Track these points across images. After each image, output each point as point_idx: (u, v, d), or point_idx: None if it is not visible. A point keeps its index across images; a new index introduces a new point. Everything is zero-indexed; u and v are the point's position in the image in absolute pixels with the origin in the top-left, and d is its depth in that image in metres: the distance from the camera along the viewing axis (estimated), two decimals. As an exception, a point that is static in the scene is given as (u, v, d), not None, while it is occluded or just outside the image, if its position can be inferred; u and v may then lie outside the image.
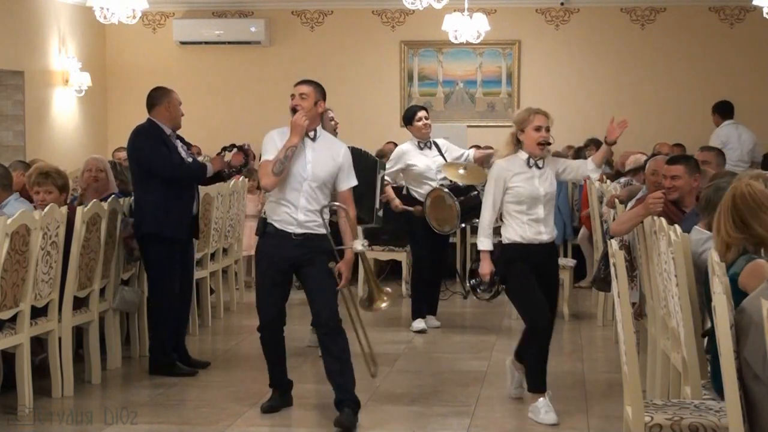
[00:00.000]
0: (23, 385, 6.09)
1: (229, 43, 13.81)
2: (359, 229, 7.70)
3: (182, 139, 7.25)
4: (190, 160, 7.18)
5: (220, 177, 7.31)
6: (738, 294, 4.11)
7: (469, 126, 12.31)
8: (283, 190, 5.90)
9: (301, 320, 7.87)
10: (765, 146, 12.49)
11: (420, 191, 8.57)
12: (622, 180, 8.97)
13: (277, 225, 5.95)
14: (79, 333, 7.12)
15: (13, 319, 6.07)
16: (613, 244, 4.66)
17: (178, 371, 7.06)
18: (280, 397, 6.24)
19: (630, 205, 7.03)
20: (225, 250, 9.48)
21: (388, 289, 6.07)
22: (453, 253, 10.84)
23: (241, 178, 10.38)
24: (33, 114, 12.30)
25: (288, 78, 13.16)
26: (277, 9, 13.88)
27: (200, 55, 13.96)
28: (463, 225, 8.65)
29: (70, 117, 13.19)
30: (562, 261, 8.97)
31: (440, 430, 5.95)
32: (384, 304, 6.04)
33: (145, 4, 10.64)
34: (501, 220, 6.21)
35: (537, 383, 6.03)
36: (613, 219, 7.27)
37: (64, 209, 6.51)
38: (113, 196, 7.23)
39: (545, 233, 6.11)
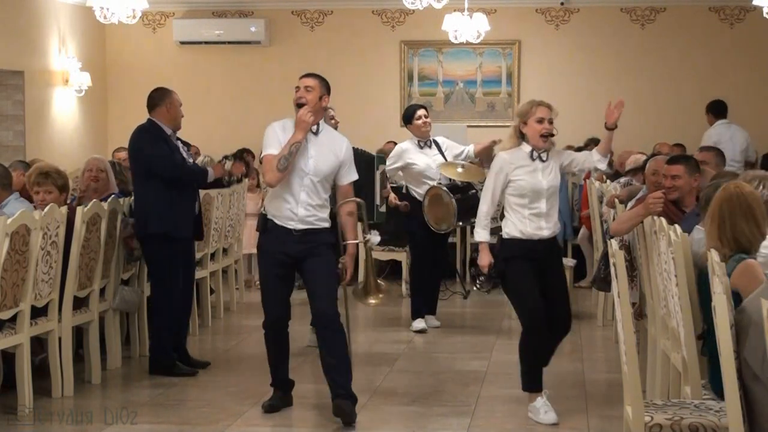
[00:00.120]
0: (23, 385, 6.09)
1: (229, 43, 13.80)
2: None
3: (180, 140, 7.25)
4: (191, 161, 7.20)
5: (219, 184, 7.35)
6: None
7: (469, 126, 12.30)
8: (283, 185, 5.89)
9: (301, 320, 7.87)
10: (765, 145, 12.52)
11: (419, 190, 8.56)
12: (622, 180, 8.97)
13: (277, 221, 5.95)
14: (79, 333, 7.12)
15: (13, 319, 6.07)
16: (613, 244, 4.66)
17: (178, 371, 7.07)
18: (281, 397, 6.24)
19: (630, 205, 7.03)
20: (225, 250, 9.48)
21: (385, 286, 6.07)
22: (453, 253, 10.84)
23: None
24: (33, 114, 12.29)
25: (288, 78, 13.18)
26: (277, 9, 13.88)
27: (200, 55, 13.96)
28: (461, 223, 8.60)
29: (70, 117, 13.19)
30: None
31: (440, 430, 5.95)
32: (374, 301, 6.05)
33: (145, 4, 10.64)
34: (502, 215, 6.18)
35: (532, 383, 6.02)
36: (613, 219, 7.27)
37: (64, 209, 6.52)
38: (113, 196, 7.23)
39: (546, 228, 6.02)
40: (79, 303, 6.80)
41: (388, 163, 8.52)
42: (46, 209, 6.28)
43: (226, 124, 13.78)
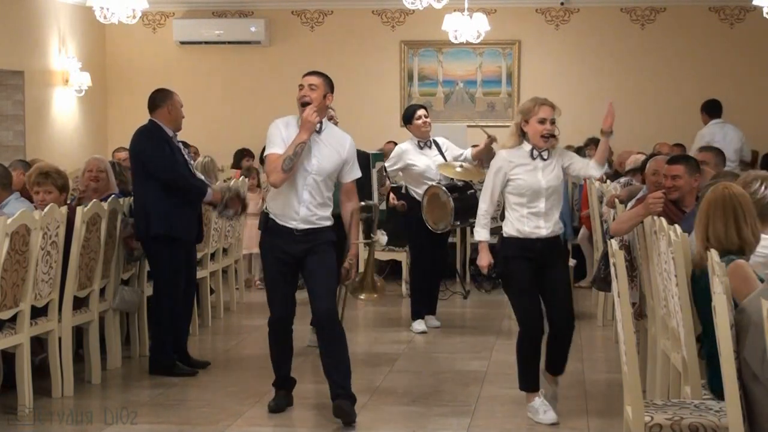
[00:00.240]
0: (23, 385, 6.09)
1: (229, 43, 13.81)
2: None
3: (179, 141, 7.26)
4: (192, 162, 7.20)
5: (213, 206, 7.32)
6: None
7: (469, 126, 12.30)
8: (286, 184, 5.86)
9: (301, 320, 7.85)
10: (766, 145, 12.52)
11: (418, 191, 8.55)
12: (622, 180, 8.96)
13: (279, 220, 5.95)
14: (79, 333, 7.12)
15: (13, 319, 6.07)
16: (613, 244, 4.65)
17: (178, 371, 7.07)
18: (284, 396, 6.24)
19: (630, 205, 7.03)
20: (225, 250, 9.48)
21: (381, 285, 6.05)
22: (453, 253, 10.84)
23: (241, 178, 10.40)
24: (33, 114, 12.30)
25: (288, 78, 13.26)
26: (277, 9, 13.88)
27: (200, 55, 13.96)
28: (459, 223, 8.56)
29: (70, 117, 13.20)
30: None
31: (440, 430, 5.95)
32: (365, 297, 6.04)
33: (145, 4, 10.64)
34: (503, 215, 6.14)
35: (528, 383, 6.01)
36: (613, 219, 7.27)
37: (64, 209, 6.52)
38: (113, 196, 7.23)
39: (545, 228, 5.92)
40: (79, 303, 6.80)
41: (388, 164, 8.51)
42: (46, 209, 6.28)
43: (226, 124, 13.79)
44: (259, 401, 6.34)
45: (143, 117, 7.18)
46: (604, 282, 7.00)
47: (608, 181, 9.43)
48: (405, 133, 9.01)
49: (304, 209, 5.89)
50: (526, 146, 5.98)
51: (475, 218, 6.16)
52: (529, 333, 5.95)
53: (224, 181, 9.91)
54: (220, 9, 13.90)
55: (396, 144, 9.63)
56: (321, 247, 5.91)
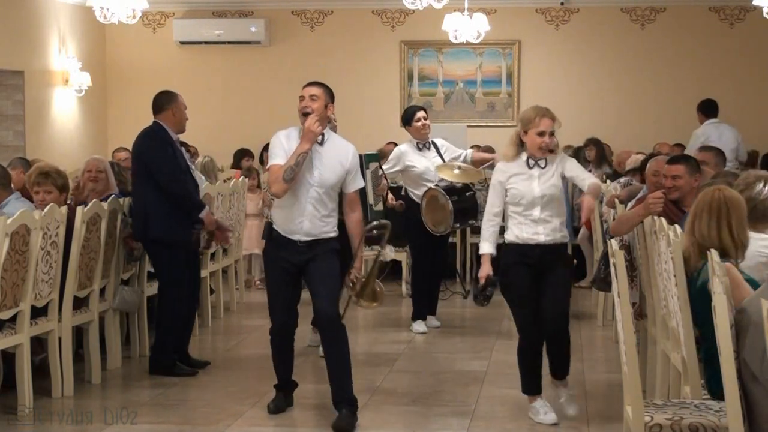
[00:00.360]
0: (23, 385, 6.09)
1: (229, 43, 13.81)
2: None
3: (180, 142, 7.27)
4: (193, 166, 7.18)
5: (201, 223, 7.22)
6: (710, 301, 3.96)
7: (469, 126, 12.29)
8: (289, 197, 5.83)
9: (301, 320, 7.84)
10: (766, 145, 12.52)
11: (417, 192, 8.54)
12: (622, 180, 8.97)
13: (282, 232, 5.93)
14: (79, 333, 7.12)
15: (13, 319, 6.07)
16: (613, 244, 4.66)
17: (178, 371, 7.06)
18: (284, 397, 6.24)
19: (630, 205, 7.03)
20: (225, 250, 9.48)
21: (381, 294, 6.03)
22: (453, 253, 10.84)
23: (241, 177, 10.40)
24: (33, 114, 12.30)
25: (288, 78, 13.28)
26: (277, 9, 13.88)
27: (200, 55, 13.96)
28: (458, 225, 8.55)
29: (70, 117, 13.20)
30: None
31: (440, 430, 5.95)
32: (365, 305, 6.03)
33: (145, 4, 10.64)
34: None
35: (529, 387, 6.03)
36: (613, 219, 7.27)
37: (64, 209, 6.52)
38: (113, 196, 7.23)
39: (543, 234, 5.92)
40: (79, 303, 6.80)
41: (386, 165, 8.49)
42: (46, 209, 6.28)
43: (226, 124, 13.79)
44: (259, 401, 6.34)
45: (143, 117, 7.17)
46: (604, 282, 7.00)
47: (608, 181, 9.43)
48: (405, 134, 9.01)
49: (308, 223, 5.87)
50: (524, 156, 6.00)
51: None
52: (528, 339, 5.96)
53: (224, 181, 9.92)
54: (220, 9, 13.90)
55: (396, 145, 9.63)
56: (324, 255, 5.90)
